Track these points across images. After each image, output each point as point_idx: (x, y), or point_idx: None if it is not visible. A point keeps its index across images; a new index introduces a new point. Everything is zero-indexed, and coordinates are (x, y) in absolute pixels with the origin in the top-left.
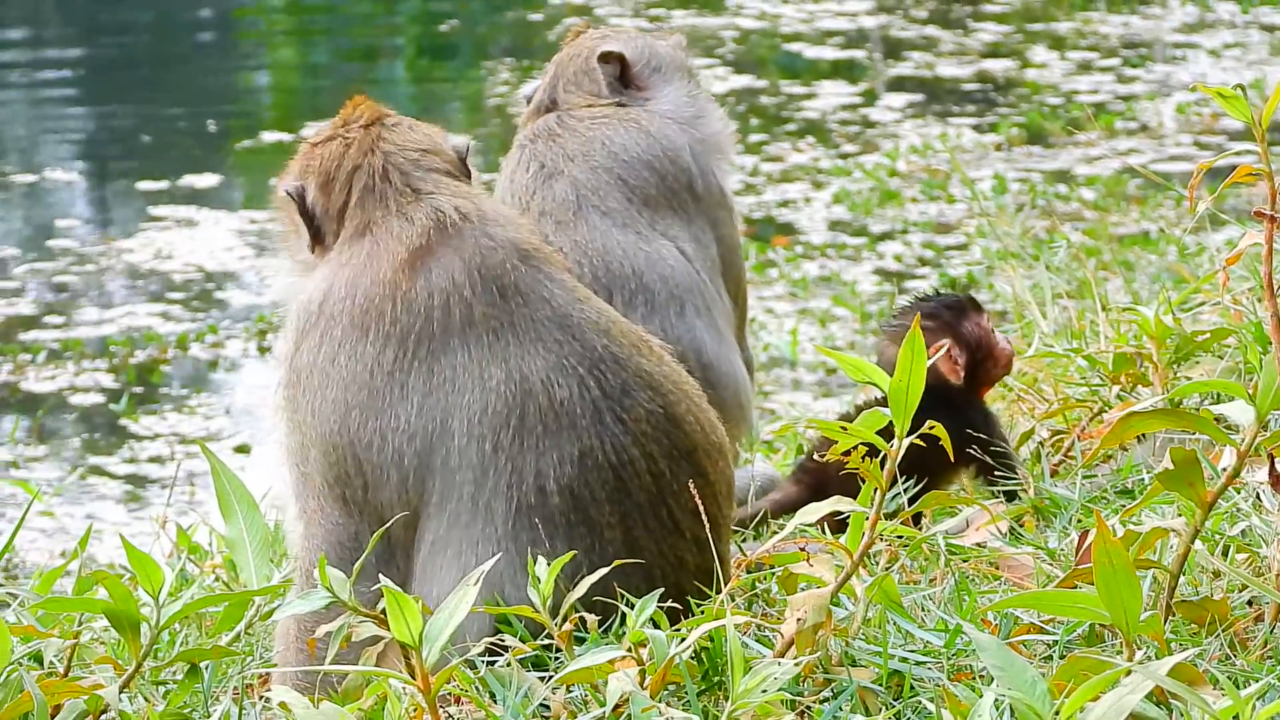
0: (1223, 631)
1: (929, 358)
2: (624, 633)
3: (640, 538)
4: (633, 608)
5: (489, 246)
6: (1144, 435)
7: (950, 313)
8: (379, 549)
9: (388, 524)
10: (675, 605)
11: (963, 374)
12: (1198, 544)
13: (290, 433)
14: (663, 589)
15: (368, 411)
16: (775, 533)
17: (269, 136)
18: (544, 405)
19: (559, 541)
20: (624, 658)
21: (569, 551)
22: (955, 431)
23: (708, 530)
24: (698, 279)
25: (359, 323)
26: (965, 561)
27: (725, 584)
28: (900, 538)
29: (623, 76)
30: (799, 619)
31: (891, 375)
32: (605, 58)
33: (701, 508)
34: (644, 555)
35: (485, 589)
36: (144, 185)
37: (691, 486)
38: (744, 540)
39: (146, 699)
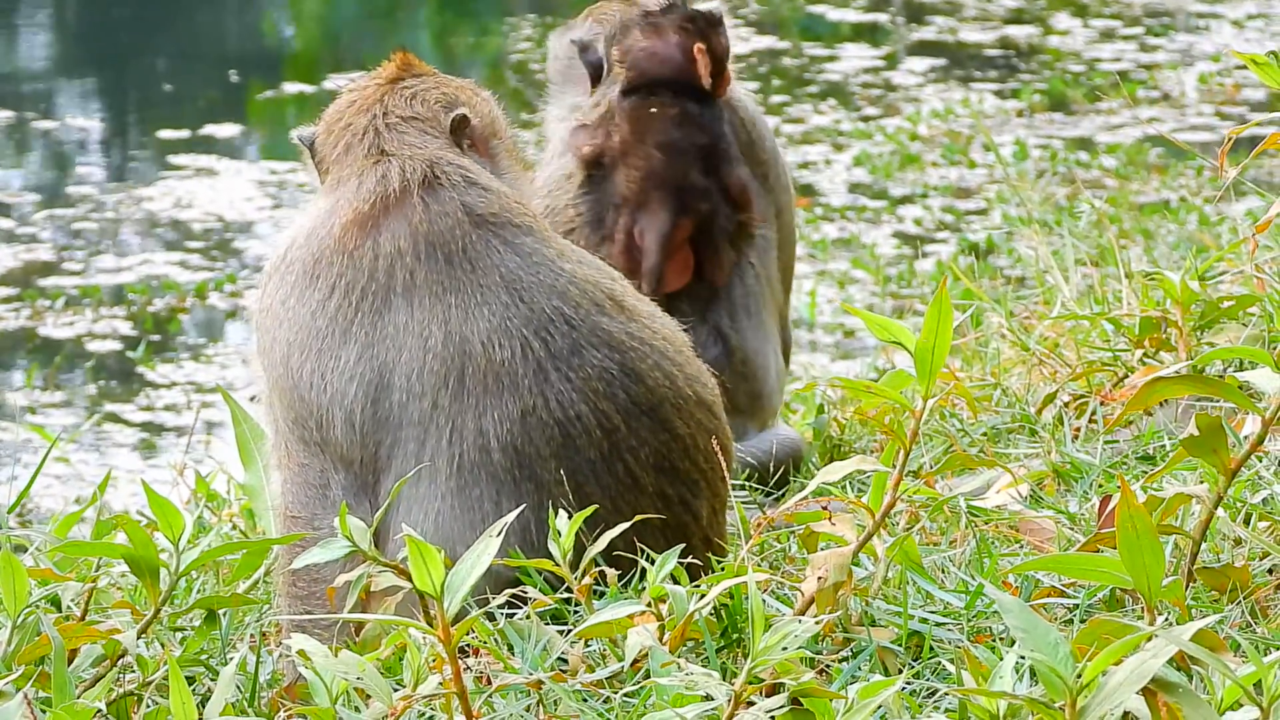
0: (1244, 598)
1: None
2: (644, 588)
3: (592, 494)
4: (653, 563)
5: (439, 213)
6: (1167, 401)
7: (704, 22)
8: (351, 490)
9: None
10: (633, 557)
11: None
12: (1220, 511)
13: (260, 378)
14: (622, 544)
15: (307, 352)
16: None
17: (290, 88)
18: (483, 366)
19: (505, 498)
20: (643, 613)
21: (515, 507)
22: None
23: (686, 486)
24: None
25: (310, 271)
26: (986, 524)
27: (721, 539)
28: (921, 499)
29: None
30: (820, 577)
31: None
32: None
33: (671, 463)
34: (597, 512)
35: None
36: (164, 134)
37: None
38: (765, 498)
39: (164, 644)
